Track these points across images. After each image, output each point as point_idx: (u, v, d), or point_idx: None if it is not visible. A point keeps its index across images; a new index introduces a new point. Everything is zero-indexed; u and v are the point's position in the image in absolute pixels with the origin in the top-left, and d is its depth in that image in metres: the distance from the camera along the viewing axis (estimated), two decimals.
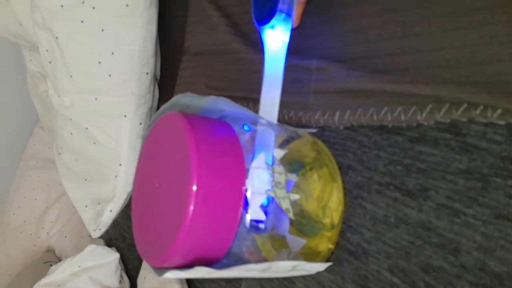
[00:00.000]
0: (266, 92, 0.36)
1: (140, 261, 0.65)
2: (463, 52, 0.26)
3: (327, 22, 0.35)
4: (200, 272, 0.27)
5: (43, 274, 0.69)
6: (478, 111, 0.25)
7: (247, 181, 0.30)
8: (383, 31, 0.31)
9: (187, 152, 0.27)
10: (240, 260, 0.32)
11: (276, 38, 0.35)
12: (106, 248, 0.67)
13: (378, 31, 0.31)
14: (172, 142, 0.30)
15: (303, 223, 0.34)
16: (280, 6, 0.33)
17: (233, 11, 0.46)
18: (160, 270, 0.29)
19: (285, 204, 0.33)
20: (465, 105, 0.25)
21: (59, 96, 0.61)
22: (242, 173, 0.29)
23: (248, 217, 0.31)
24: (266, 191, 0.32)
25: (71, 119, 0.61)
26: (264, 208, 0.32)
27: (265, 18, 0.34)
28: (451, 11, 0.27)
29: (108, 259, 0.66)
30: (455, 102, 0.26)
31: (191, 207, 0.26)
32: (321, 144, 0.36)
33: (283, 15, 0.34)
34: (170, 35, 0.62)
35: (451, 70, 0.27)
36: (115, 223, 0.71)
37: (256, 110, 0.42)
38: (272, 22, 0.34)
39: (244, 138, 0.33)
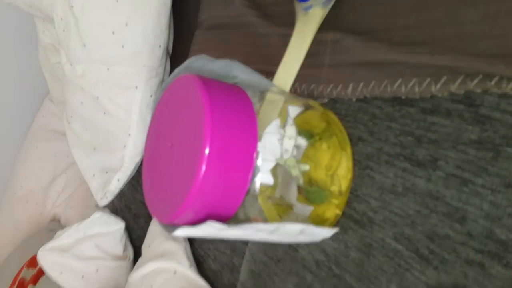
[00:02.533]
0: (285, 63, 0.36)
1: (144, 232, 0.66)
2: (481, 25, 0.26)
3: None
4: (210, 229, 0.28)
5: (48, 241, 0.70)
6: (493, 82, 0.25)
7: (259, 146, 0.31)
8: (400, 4, 0.31)
9: (201, 113, 0.28)
10: None
11: (310, 18, 0.35)
12: (112, 216, 0.68)
13: (395, 3, 0.31)
14: (186, 103, 0.30)
15: (311, 190, 0.34)
16: None
17: None
18: (170, 227, 0.30)
19: (295, 172, 0.33)
20: (480, 76, 0.26)
21: (71, 65, 0.61)
22: (254, 137, 0.30)
23: (258, 181, 0.31)
24: (276, 159, 0.33)
25: (82, 88, 0.61)
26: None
27: None
28: None
29: (114, 228, 0.67)
30: (470, 73, 0.26)
31: (203, 166, 0.27)
32: (331, 114, 0.36)
33: None
34: (184, 8, 0.62)
35: (469, 43, 0.27)
36: (121, 194, 0.72)
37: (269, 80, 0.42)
38: (311, 2, 0.34)
39: (256, 105, 0.34)
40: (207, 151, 0.27)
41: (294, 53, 0.36)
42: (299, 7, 0.36)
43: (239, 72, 0.33)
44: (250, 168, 0.29)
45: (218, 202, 0.29)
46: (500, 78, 0.25)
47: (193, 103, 0.29)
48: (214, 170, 0.27)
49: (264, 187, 0.33)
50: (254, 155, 0.29)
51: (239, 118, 0.29)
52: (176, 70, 0.33)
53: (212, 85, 0.30)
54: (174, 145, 0.30)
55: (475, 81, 0.26)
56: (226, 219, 0.31)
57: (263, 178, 0.32)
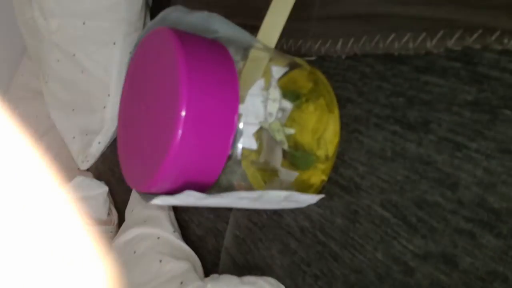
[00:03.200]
0: (270, 16, 0.33)
1: (129, 196, 0.65)
2: None
3: None
4: (189, 198, 0.26)
5: None
6: (494, 37, 0.23)
7: (241, 108, 0.28)
8: None
9: (176, 72, 0.25)
10: None
11: None
12: (95, 180, 0.67)
13: None
14: (160, 61, 0.28)
15: (296, 155, 0.32)
16: None
17: None
18: (147, 196, 0.28)
19: (279, 136, 0.31)
20: (480, 31, 0.23)
21: (45, 19, 0.57)
22: (235, 98, 0.28)
23: (240, 146, 0.30)
24: (260, 122, 0.31)
25: (58, 45, 0.58)
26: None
27: None
28: None
29: (97, 192, 0.65)
30: (469, 27, 0.24)
31: (180, 130, 0.25)
32: (319, 74, 0.33)
33: None
34: None
35: None
36: (104, 157, 0.70)
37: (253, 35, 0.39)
38: None
39: (239, 62, 0.31)
40: (183, 113, 0.25)
41: (280, 5, 0.33)
42: None
43: (220, 26, 0.30)
44: (231, 132, 0.27)
45: (197, 169, 0.27)
46: (501, 33, 0.23)
47: (167, 60, 0.27)
48: (192, 134, 0.25)
49: (247, 151, 0.31)
50: (235, 117, 0.27)
51: (218, 77, 0.27)
52: (150, 23, 0.30)
53: (189, 40, 0.27)
54: (149, 107, 0.28)
55: (475, 36, 0.23)
56: (208, 186, 0.29)
57: (245, 142, 0.30)
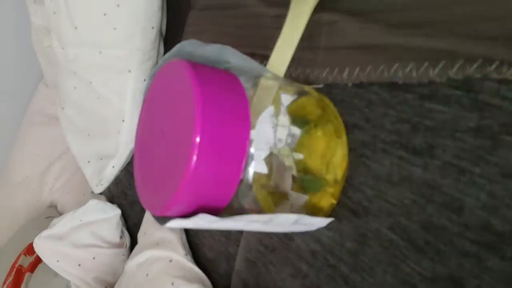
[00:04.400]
0: (280, 47, 0.35)
1: (141, 218, 0.66)
2: (481, 6, 0.25)
3: None
4: (203, 221, 0.27)
5: (45, 228, 0.70)
6: (493, 67, 0.24)
7: (252, 134, 0.30)
8: None
9: (191, 100, 0.27)
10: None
11: None
12: (108, 203, 0.68)
13: None
14: (176, 90, 0.29)
15: (306, 179, 0.33)
16: None
17: None
18: (162, 219, 0.29)
19: (288, 162, 0.32)
20: (480, 61, 0.24)
21: (63, 48, 0.60)
22: (247, 125, 0.29)
23: (251, 170, 0.31)
24: (270, 147, 0.32)
25: (75, 73, 0.60)
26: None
27: None
28: None
29: (110, 215, 0.67)
30: (469, 58, 0.25)
31: (195, 156, 0.26)
32: (327, 100, 0.35)
33: None
34: None
35: (468, 25, 0.26)
36: (117, 180, 0.72)
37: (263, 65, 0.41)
38: None
39: (249, 91, 0.33)
40: (198, 139, 0.26)
41: (289, 36, 0.34)
42: None
43: (232, 57, 0.32)
44: (243, 157, 0.28)
45: (210, 193, 0.28)
46: (500, 63, 0.24)
47: (183, 89, 0.28)
48: (206, 159, 0.26)
49: (258, 176, 0.32)
50: (247, 144, 0.29)
51: (231, 105, 0.28)
52: (166, 55, 0.32)
53: (203, 70, 0.29)
54: (165, 133, 0.29)
55: (474, 66, 0.25)
56: (220, 209, 0.30)
57: (256, 167, 0.31)
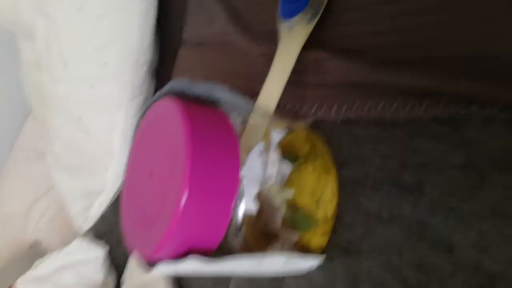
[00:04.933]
0: (269, 84, 0.35)
1: (127, 257, 0.64)
2: (464, 44, 0.26)
3: (327, 11, 0.34)
4: (192, 264, 0.26)
5: (28, 268, 0.68)
6: (478, 105, 0.24)
7: (241, 172, 0.29)
8: (386, 23, 0.30)
9: (181, 141, 0.27)
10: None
11: (294, 36, 0.34)
12: (93, 243, 0.66)
13: (380, 22, 0.31)
14: (166, 129, 0.29)
15: (296, 217, 0.33)
16: (308, 6, 0.33)
17: (236, 2, 0.45)
18: (148, 265, 0.28)
19: (278, 200, 0.32)
20: (464, 99, 0.25)
21: (52, 84, 0.60)
22: (236, 164, 0.29)
23: (241, 210, 0.30)
24: (260, 185, 0.31)
25: (64, 109, 0.60)
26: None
27: (289, 14, 0.34)
28: (454, 5, 0.26)
29: (95, 254, 0.65)
30: (453, 96, 0.25)
31: (183, 199, 0.25)
32: (316, 136, 0.35)
33: (308, 15, 0.33)
34: (168, 25, 0.61)
35: (451, 63, 0.26)
36: (103, 218, 0.70)
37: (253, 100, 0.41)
38: (295, 19, 0.33)
39: (239, 127, 0.33)
40: (186, 183, 0.26)
41: (278, 73, 0.35)
42: (282, 25, 0.36)
43: (222, 95, 0.32)
44: (232, 198, 0.28)
45: (199, 236, 0.27)
46: (484, 101, 0.24)
47: (173, 129, 0.28)
48: (195, 203, 0.26)
49: (247, 215, 0.31)
50: (237, 184, 0.28)
51: (220, 145, 0.28)
52: (157, 93, 0.32)
53: (193, 110, 0.29)
54: (154, 174, 0.29)
55: (460, 104, 0.25)
56: (210, 251, 0.29)
57: (246, 206, 0.31)
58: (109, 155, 0.59)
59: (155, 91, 0.62)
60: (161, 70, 0.62)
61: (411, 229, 0.27)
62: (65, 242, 0.84)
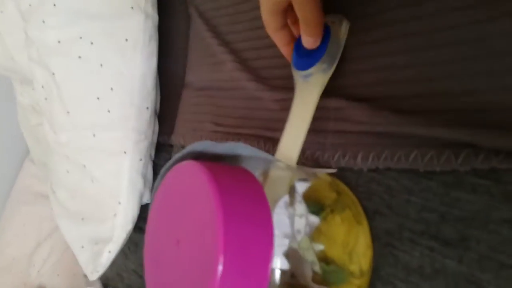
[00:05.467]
0: (288, 134, 0.34)
1: None
2: (499, 94, 0.25)
3: (347, 61, 0.34)
4: None
5: None
6: None
7: None
8: (409, 71, 0.30)
9: (210, 206, 0.25)
10: None
11: (311, 86, 0.34)
12: None
13: (403, 70, 0.30)
14: (191, 194, 0.28)
15: (328, 270, 0.32)
16: (324, 57, 0.32)
17: (240, 47, 0.44)
18: None
19: (310, 256, 0.31)
20: (505, 151, 0.24)
21: (55, 133, 0.58)
22: (269, 223, 0.27)
23: (278, 270, 0.29)
24: (289, 240, 0.30)
25: (67, 157, 0.58)
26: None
27: (304, 66, 0.33)
28: (483, 53, 0.26)
29: None
30: (493, 148, 0.25)
31: (220, 266, 0.24)
32: (341, 184, 0.34)
33: (324, 65, 0.33)
34: (169, 67, 0.60)
35: (487, 114, 0.25)
36: (112, 262, 0.68)
37: (267, 149, 0.40)
38: (311, 70, 0.33)
39: (260, 179, 0.31)
40: (222, 250, 0.24)
41: (297, 124, 0.34)
42: (297, 74, 0.35)
43: (243, 151, 0.31)
44: (269, 261, 0.27)
45: None
46: None
47: (199, 194, 0.27)
48: (232, 270, 0.25)
49: (282, 273, 0.30)
50: (272, 245, 0.27)
51: (251, 207, 0.27)
52: (177, 155, 0.31)
53: (219, 172, 0.28)
54: (181, 242, 0.28)
55: (500, 156, 0.24)
56: None
57: (277, 263, 0.29)
58: (116, 201, 0.57)
59: (159, 134, 0.61)
60: (164, 112, 0.61)
61: (458, 285, 0.26)
62: (70, 286, 0.81)
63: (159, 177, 0.32)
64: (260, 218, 0.27)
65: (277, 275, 0.29)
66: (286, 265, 0.30)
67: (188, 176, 0.29)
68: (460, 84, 0.27)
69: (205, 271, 0.25)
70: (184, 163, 0.29)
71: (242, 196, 0.27)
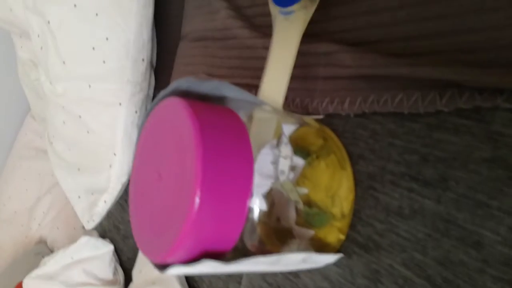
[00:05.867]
0: (270, 77, 0.34)
1: (135, 253, 0.64)
2: (488, 33, 0.25)
3: (337, 4, 0.33)
4: (206, 267, 0.25)
5: (35, 265, 0.67)
6: (503, 97, 0.23)
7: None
8: (398, 13, 0.29)
9: (191, 141, 0.25)
10: (245, 256, 0.30)
11: (292, 25, 0.33)
12: (100, 239, 0.66)
13: (392, 12, 0.29)
14: (173, 130, 0.28)
15: (311, 213, 0.32)
16: None
17: None
18: (162, 266, 0.27)
19: (293, 196, 0.31)
20: (489, 90, 0.24)
21: (51, 83, 0.58)
22: (250, 162, 0.28)
23: (257, 208, 0.29)
24: (271, 182, 0.31)
25: (63, 107, 0.59)
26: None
27: (285, 2, 0.32)
28: None
29: (102, 251, 0.64)
30: (478, 87, 0.24)
31: (197, 199, 0.25)
32: (328, 131, 0.34)
33: (307, 1, 0.32)
34: (167, 20, 0.59)
35: (475, 53, 0.25)
36: (109, 214, 0.69)
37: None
38: (294, 7, 0.32)
39: (247, 123, 0.31)
40: (199, 183, 0.25)
41: (279, 65, 0.33)
42: (276, 10, 0.34)
43: (229, 92, 0.31)
44: (247, 198, 0.27)
45: (214, 237, 0.27)
46: (511, 92, 0.23)
47: (181, 130, 0.27)
48: (209, 204, 0.25)
49: (261, 212, 0.30)
50: (251, 183, 0.27)
51: (232, 143, 0.27)
52: (161, 93, 0.31)
53: (201, 109, 0.28)
54: (162, 176, 0.28)
55: (484, 95, 0.24)
56: (224, 252, 0.29)
57: (258, 202, 0.30)
58: (112, 152, 0.58)
59: (155, 88, 0.61)
60: (161, 66, 0.60)
61: (435, 224, 0.26)
62: (70, 239, 0.83)
63: (145, 114, 0.32)
64: (241, 154, 0.27)
65: (256, 213, 0.29)
66: (264, 206, 0.30)
67: (170, 111, 0.29)
68: (448, 24, 0.26)
69: (184, 204, 0.25)
70: (167, 99, 0.29)
71: (223, 131, 0.27)
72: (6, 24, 0.73)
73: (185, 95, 0.32)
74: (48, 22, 0.54)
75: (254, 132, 0.32)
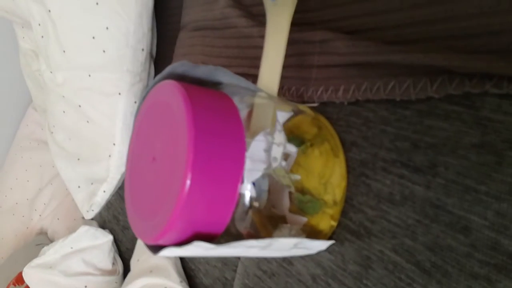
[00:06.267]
0: (266, 65, 0.34)
1: (133, 244, 0.64)
2: (478, 20, 0.25)
3: None
4: (198, 249, 0.26)
5: (35, 256, 0.68)
6: (492, 82, 0.23)
7: (246, 155, 0.29)
8: (391, 1, 0.29)
9: (183, 123, 0.26)
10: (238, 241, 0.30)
11: (281, 7, 0.33)
12: (99, 229, 0.66)
13: (388, 0, 0.30)
14: (167, 113, 0.28)
15: (304, 200, 0.32)
16: None
17: None
18: (155, 248, 0.28)
19: (285, 180, 0.31)
20: (478, 76, 0.24)
21: (51, 72, 0.59)
22: (242, 146, 0.28)
23: (248, 193, 0.30)
24: (264, 168, 0.31)
25: (63, 97, 0.59)
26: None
27: None
28: None
29: (101, 241, 0.65)
30: (467, 73, 0.24)
31: (188, 183, 0.25)
32: (322, 119, 0.34)
33: None
34: (167, 10, 0.60)
35: (465, 40, 0.25)
36: (109, 205, 0.70)
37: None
38: None
39: (243, 111, 0.32)
40: (190, 166, 0.25)
41: (273, 51, 0.33)
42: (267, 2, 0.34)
43: (224, 78, 0.31)
44: (237, 181, 0.27)
45: (205, 220, 0.27)
46: (499, 78, 0.23)
47: (174, 112, 0.27)
48: (199, 186, 0.25)
49: (253, 198, 0.31)
50: (242, 167, 0.27)
51: (224, 127, 0.27)
52: (157, 77, 0.31)
53: (195, 92, 0.28)
54: (157, 158, 0.28)
55: (473, 81, 0.24)
56: (216, 235, 0.29)
57: (249, 188, 0.30)
58: (111, 142, 0.58)
59: (155, 78, 0.61)
60: (161, 56, 0.60)
61: (424, 210, 0.26)
62: (71, 229, 0.84)
63: (140, 98, 0.32)
64: (233, 138, 0.27)
65: (247, 198, 0.29)
66: (254, 192, 0.30)
67: (164, 93, 0.29)
68: (440, 11, 0.26)
69: (175, 185, 0.25)
70: (161, 83, 0.29)
71: (216, 114, 0.27)
72: (8, 13, 0.73)
73: (181, 79, 0.32)
74: (49, 10, 0.54)
75: (252, 119, 0.32)
